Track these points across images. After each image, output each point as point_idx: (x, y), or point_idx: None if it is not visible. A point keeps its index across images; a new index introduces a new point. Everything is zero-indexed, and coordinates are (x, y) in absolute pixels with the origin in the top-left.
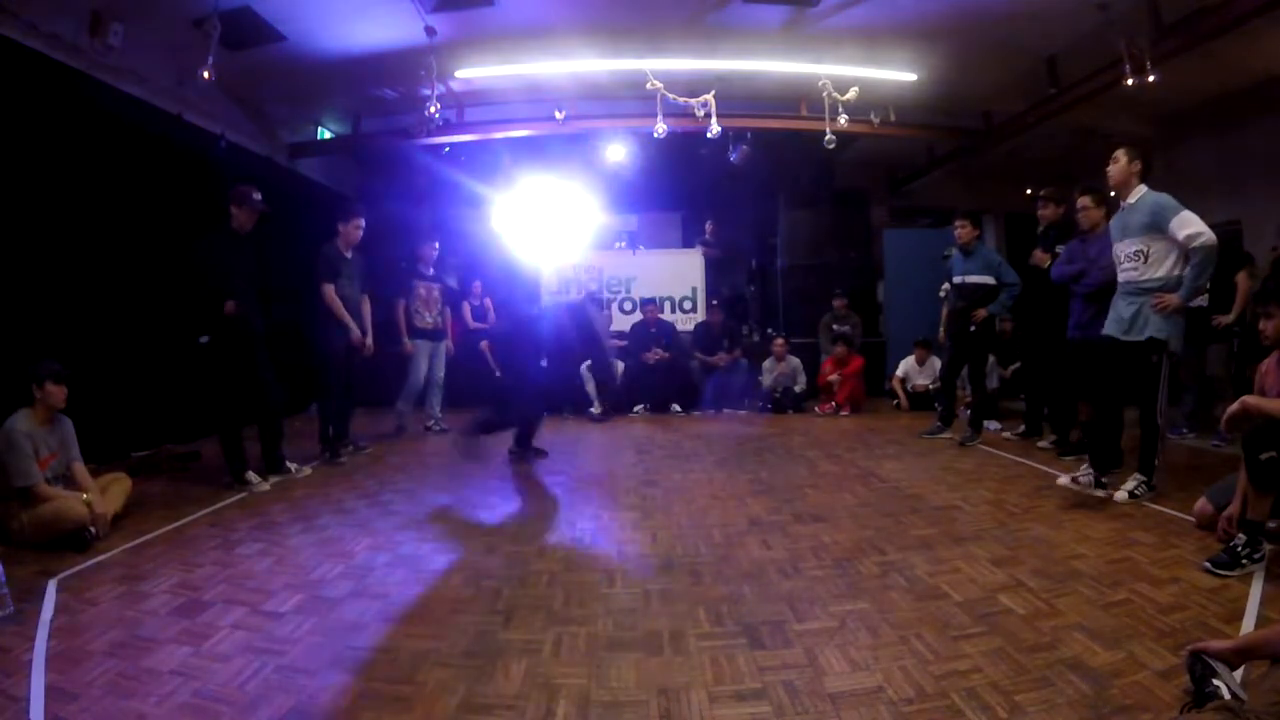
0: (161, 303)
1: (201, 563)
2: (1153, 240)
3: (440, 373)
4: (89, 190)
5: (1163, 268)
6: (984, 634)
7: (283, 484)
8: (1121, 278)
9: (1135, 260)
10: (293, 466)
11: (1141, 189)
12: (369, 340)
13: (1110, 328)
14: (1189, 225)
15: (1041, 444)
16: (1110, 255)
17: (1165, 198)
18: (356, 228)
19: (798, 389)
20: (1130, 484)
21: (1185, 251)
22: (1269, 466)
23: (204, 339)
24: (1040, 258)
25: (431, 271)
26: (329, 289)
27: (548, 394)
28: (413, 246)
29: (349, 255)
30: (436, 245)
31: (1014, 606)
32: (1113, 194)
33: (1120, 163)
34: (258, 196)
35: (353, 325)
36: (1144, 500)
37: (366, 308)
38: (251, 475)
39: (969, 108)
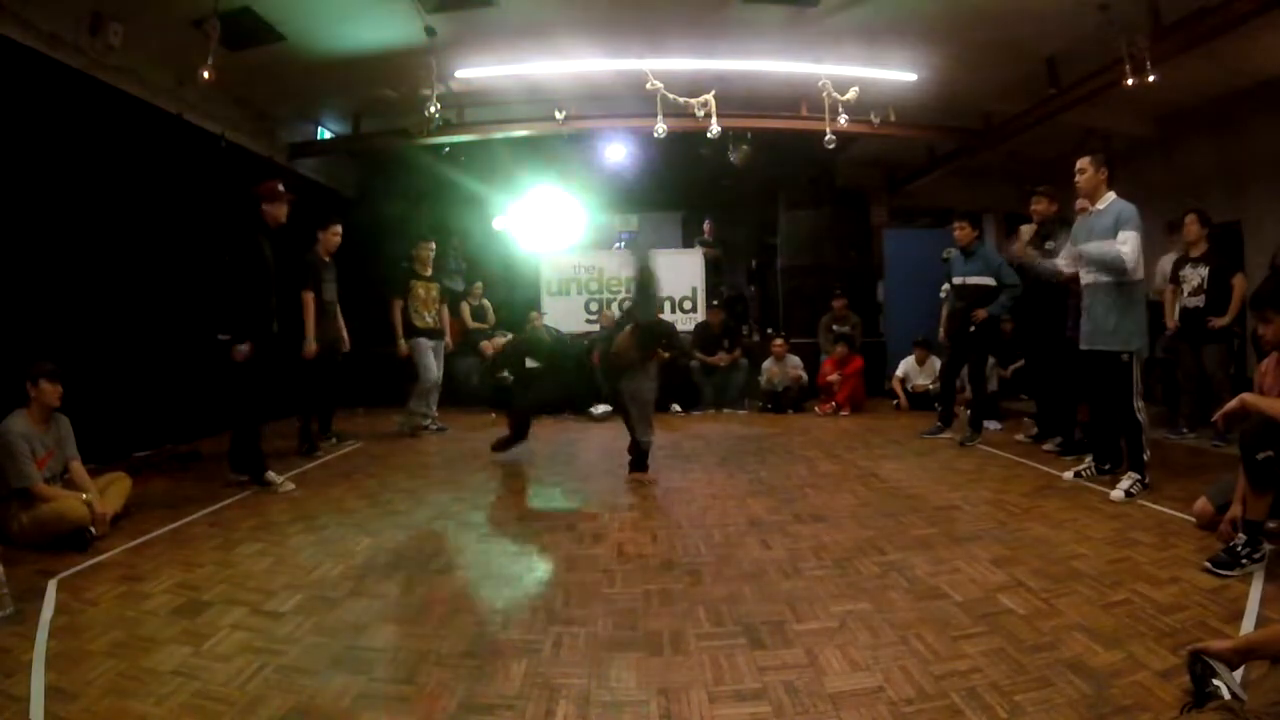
0: (162, 302)
1: (201, 563)
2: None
3: (439, 372)
4: (89, 190)
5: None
6: (984, 634)
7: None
8: (1086, 279)
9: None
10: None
11: (1110, 195)
12: (345, 344)
13: (1085, 341)
14: (1128, 243)
15: (1047, 447)
16: None
17: (1131, 207)
18: (334, 234)
19: (794, 372)
20: (1125, 483)
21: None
22: (1266, 466)
23: (224, 336)
24: (1030, 254)
25: (429, 272)
26: (309, 296)
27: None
28: (409, 247)
29: (328, 260)
30: (432, 245)
31: (1014, 606)
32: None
33: (1088, 173)
34: (282, 187)
35: (310, 338)
36: (1143, 500)
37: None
38: (272, 475)
39: (969, 108)
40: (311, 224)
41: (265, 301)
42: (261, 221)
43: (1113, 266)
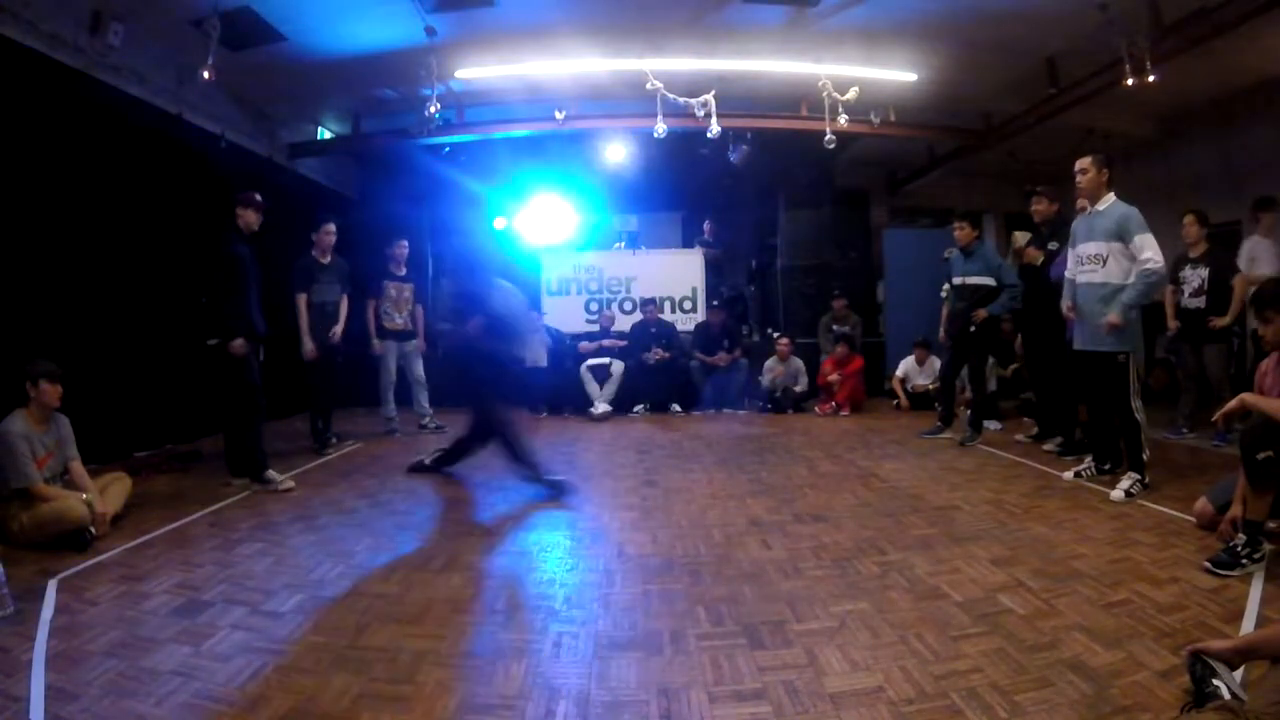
0: (162, 303)
1: (201, 563)
2: (1114, 247)
3: (419, 371)
4: (89, 190)
5: (1117, 274)
6: (984, 634)
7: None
8: (1081, 279)
9: (1095, 263)
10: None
11: (1110, 197)
12: (338, 337)
13: (1080, 341)
14: (1148, 248)
15: (1047, 447)
16: None
17: (1134, 211)
18: (327, 233)
19: (798, 389)
20: (1125, 483)
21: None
22: (1266, 466)
23: (213, 341)
24: (1032, 254)
25: (404, 271)
26: (301, 299)
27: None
28: (383, 246)
29: (326, 261)
30: (405, 244)
31: (1014, 606)
32: (1084, 202)
33: (1090, 173)
34: (259, 197)
35: (307, 339)
36: (1143, 500)
37: (344, 308)
38: (272, 473)
39: (969, 108)
40: (310, 225)
41: (248, 302)
42: (235, 225)
43: (1151, 287)
